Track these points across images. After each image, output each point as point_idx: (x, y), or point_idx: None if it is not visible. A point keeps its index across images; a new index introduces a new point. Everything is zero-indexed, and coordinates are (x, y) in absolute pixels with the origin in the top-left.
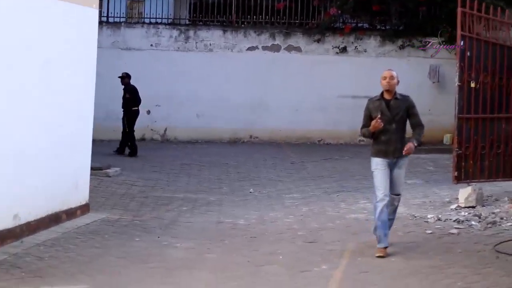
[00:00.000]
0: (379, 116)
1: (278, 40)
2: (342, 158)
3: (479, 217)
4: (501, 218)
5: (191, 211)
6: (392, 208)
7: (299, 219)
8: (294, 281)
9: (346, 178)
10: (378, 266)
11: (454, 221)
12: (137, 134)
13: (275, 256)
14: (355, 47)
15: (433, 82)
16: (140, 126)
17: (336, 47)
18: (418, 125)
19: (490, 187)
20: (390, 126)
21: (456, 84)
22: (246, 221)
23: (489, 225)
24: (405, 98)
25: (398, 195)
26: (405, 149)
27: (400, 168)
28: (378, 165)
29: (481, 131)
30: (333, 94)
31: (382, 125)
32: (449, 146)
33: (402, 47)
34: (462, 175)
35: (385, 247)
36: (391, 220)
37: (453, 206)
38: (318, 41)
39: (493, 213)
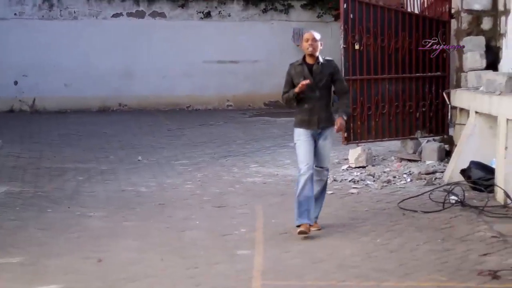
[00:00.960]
0: (307, 81)
1: (143, 6)
2: (217, 124)
3: (373, 176)
4: (394, 177)
5: (89, 180)
6: (320, 183)
7: (198, 184)
8: (221, 244)
9: (227, 143)
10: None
11: (350, 181)
12: (5, 105)
13: (191, 221)
14: (219, 11)
15: (297, 45)
16: (8, 97)
17: (200, 12)
18: (344, 92)
19: (375, 147)
20: (314, 93)
21: (341, 47)
22: (147, 189)
23: (384, 184)
24: (329, 63)
25: (325, 168)
26: (336, 127)
27: (325, 139)
28: (301, 135)
29: (367, 92)
30: (199, 60)
31: (306, 85)
32: None
33: (265, 11)
34: (351, 136)
35: (306, 223)
36: (319, 198)
37: (344, 167)
38: (182, 6)
39: (384, 172)
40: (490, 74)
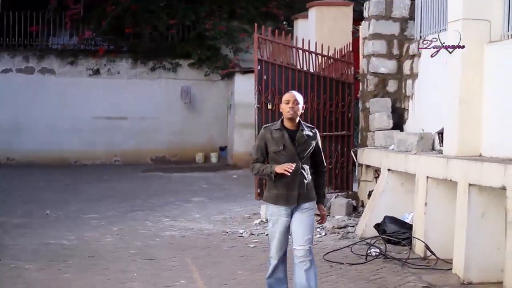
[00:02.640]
0: (294, 166)
1: (32, 63)
2: (112, 179)
3: None
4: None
5: (8, 234)
6: (300, 263)
7: (118, 238)
8: None
9: (130, 198)
10: (235, 278)
11: (266, 234)
12: None
13: (129, 274)
14: (108, 69)
15: (185, 103)
16: None
17: (89, 69)
18: (322, 168)
19: None
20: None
21: (255, 106)
22: (69, 242)
23: None
24: (313, 131)
25: (306, 247)
26: (320, 219)
27: (302, 211)
28: (274, 215)
29: None
30: (88, 115)
31: (291, 170)
32: (202, 164)
33: (153, 69)
34: (264, 192)
35: None
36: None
37: (257, 221)
38: (72, 63)
39: None
40: (401, 134)
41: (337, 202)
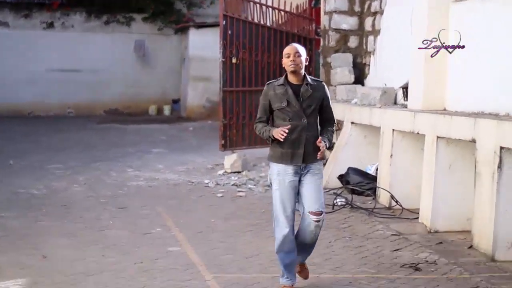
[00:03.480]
0: (288, 126)
1: None
2: (69, 130)
3: (253, 181)
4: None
5: None
6: (310, 235)
7: (86, 187)
8: (148, 242)
9: (91, 149)
10: (209, 226)
11: (232, 185)
12: None
13: (104, 222)
14: (62, 22)
15: (139, 57)
16: None
17: (43, 22)
18: (331, 122)
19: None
20: (300, 121)
21: (220, 60)
22: (38, 191)
23: (266, 188)
24: (320, 85)
25: (318, 213)
26: (319, 153)
27: (313, 174)
28: (280, 175)
29: (242, 103)
30: (42, 68)
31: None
32: (155, 116)
33: (107, 23)
34: (228, 143)
35: (292, 285)
36: (304, 250)
37: (220, 172)
38: (26, 16)
39: (261, 176)
40: (364, 88)
41: None
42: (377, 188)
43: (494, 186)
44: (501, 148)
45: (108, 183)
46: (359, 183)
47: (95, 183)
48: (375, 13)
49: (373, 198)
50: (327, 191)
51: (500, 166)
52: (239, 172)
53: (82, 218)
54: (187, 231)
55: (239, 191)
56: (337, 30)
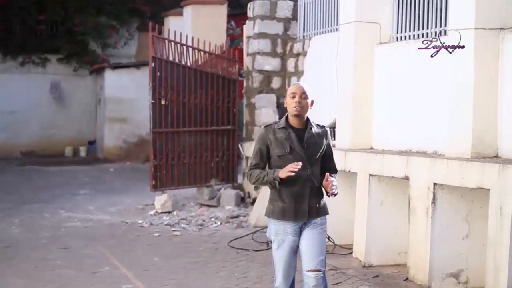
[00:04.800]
0: (299, 164)
1: None
2: None
3: (186, 220)
4: (203, 221)
5: None
6: None
7: (24, 228)
8: (102, 281)
9: (17, 191)
10: (153, 264)
11: (166, 225)
12: None
13: (52, 262)
14: None
15: (54, 97)
16: None
17: None
18: (335, 172)
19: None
20: (304, 171)
21: (150, 102)
22: None
23: (199, 227)
24: (323, 130)
25: (316, 271)
26: (327, 185)
27: (313, 227)
28: (279, 234)
29: (171, 143)
30: None
31: (298, 169)
32: (71, 158)
33: (23, 64)
34: (158, 184)
35: None
36: None
37: (152, 212)
38: None
39: (192, 216)
40: None
41: (227, 193)
42: None
43: (428, 221)
44: (435, 184)
45: (43, 224)
46: None
47: (31, 225)
48: (297, 55)
49: None
50: (259, 230)
51: (433, 201)
52: (169, 212)
53: (29, 258)
54: (135, 269)
55: (173, 230)
56: (260, 71)
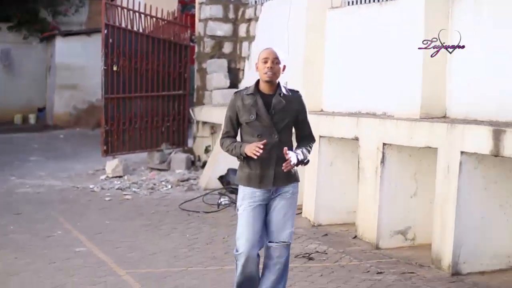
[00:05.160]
0: (264, 142)
1: None
2: None
3: (137, 184)
4: (154, 184)
5: None
6: (274, 269)
7: None
8: (55, 244)
9: None
10: (106, 227)
11: (117, 189)
12: None
13: (4, 227)
14: None
15: (4, 65)
16: None
17: None
18: (310, 139)
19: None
20: (271, 137)
21: (102, 68)
22: None
23: (150, 190)
24: (295, 95)
25: (284, 244)
26: (284, 164)
27: (283, 198)
28: (246, 198)
29: (122, 109)
30: None
31: (263, 149)
32: (20, 125)
33: None
34: (109, 149)
35: None
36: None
37: (103, 177)
38: None
39: (142, 180)
40: None
41: (177, 157)
42: None
43: (377, 180)
44: (384, 144)
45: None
46: None
47: None
48: (249, 20)
49: None
50: (210, 192)
51: (382, 161)
52: (120, 177)
53: None
54: (87, 233)
55: (125, 194)
56: (212, 37)
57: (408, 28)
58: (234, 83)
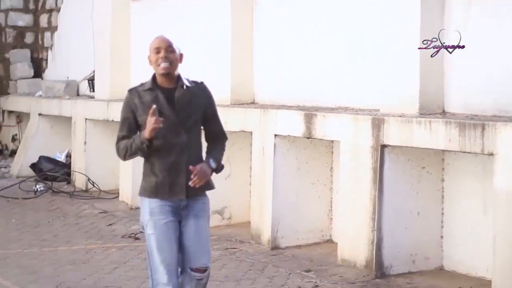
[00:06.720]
0: (153, 107)
1: None
2: None
3: None
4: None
5: None
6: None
7: None
8: None
9: None
10: None
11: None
12: None
13: None
14: None
15: None
16: None
17: None
18: (222, 138)
19: None
20: (178, 138)
21: None
22: None
23: None
24: (201, 87)
25: (203, 270)
26: (193, 174)
27: (196, 216)
28: (154, 213)
29: None
30: None
31: (160, 121)
32: None
33: None
34: None
35: None
36: None
37: None
38: None
39: None
40: (49, 81)
41: None
42: (72, 173)
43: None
44: (275, 135)
45: None
46: (51, 170)
47: None
48: (50, 10)
49: (68, 183)
50: (27, 179)
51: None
52: None
53: None
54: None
55: None
56: (13, 27)
57: (216, 18)
58: (38, 73)
